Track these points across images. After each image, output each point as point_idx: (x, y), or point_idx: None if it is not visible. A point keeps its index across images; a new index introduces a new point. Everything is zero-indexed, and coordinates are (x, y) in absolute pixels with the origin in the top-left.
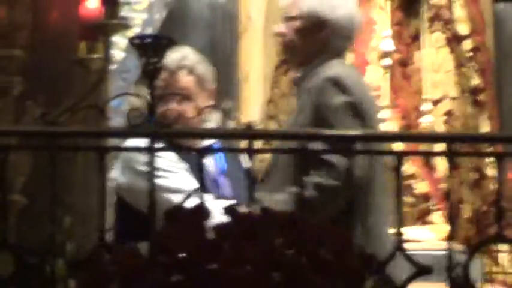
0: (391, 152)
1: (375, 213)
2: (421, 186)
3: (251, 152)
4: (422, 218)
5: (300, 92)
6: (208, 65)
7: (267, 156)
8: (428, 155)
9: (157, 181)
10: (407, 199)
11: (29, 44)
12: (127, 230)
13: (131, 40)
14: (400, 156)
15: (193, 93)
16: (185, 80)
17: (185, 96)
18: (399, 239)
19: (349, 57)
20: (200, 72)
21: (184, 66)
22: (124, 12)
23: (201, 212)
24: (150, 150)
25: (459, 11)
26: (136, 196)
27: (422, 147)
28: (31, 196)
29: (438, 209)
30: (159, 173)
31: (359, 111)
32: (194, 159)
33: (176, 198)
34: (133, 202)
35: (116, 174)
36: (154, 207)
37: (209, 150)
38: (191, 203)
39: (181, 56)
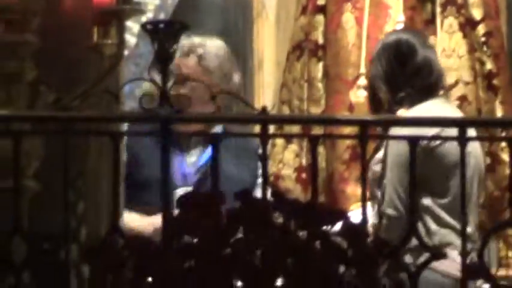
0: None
1: None
2: None
3: (265, 137)
4: None
5: None
6: (229, 67)
7: None
8: (441, 140)
9: None
10: None
11: (41, 29)
12: None
13: (144, 25)
14: (413, 142)
15: (197, 80)
16: (190, 65)
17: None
18: (412, 223)
19: (365, 44)
20: (210, 65)
21: (194, 52)
22: None
23: (214, 197)
24: (164, 136)
25: None
26: None
27: None
28: (44, 182)
29: None
30: None
31: None
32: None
33: None
34: None
35: None
36: (169, 193)
37: (221, 135)
38: None
39: (198, 43)
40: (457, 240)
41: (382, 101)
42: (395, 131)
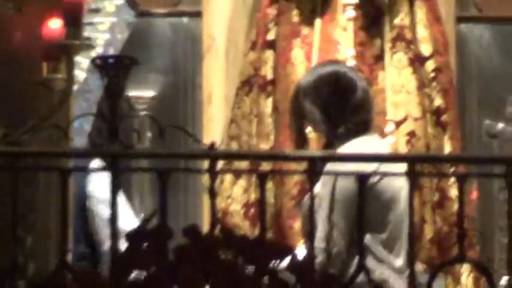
0: (352, 173)
1: None
2: None
3: (213, 173)
4: None
5: None
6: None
7: None
8: (392, 176)
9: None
10: None
11: None
12: None
13: (93, 60)
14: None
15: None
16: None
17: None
18: (361, 260)
19: None
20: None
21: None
22: (86, 32)
23: (162, 233)
24: (112, 171)
25: (422, 32)
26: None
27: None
28: None
29: None
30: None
31: None
32: None
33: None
34: None
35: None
36: (116, 230)
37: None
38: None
39: None
40: (393, 276)
41: (306, 136)
42: (335, 166)
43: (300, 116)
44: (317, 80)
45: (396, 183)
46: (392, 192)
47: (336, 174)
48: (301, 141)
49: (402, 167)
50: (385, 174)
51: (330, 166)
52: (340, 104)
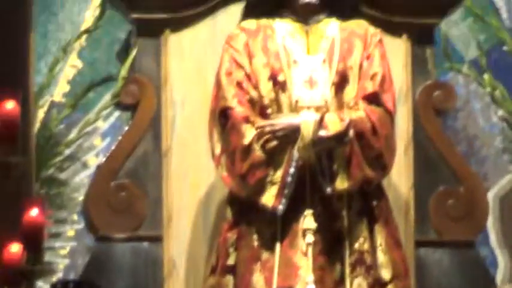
0: None
1: None
2: None
3: None
4: None
5: None
6: None
7: None
8: None
9: None
10: None
11: None
12: None
13: (54, 286)
14: None
15: None
16: None
17: None
18: None
19: None
20: None
21: None
22: (47, 256)
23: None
24: None
25: (382, 257)
26: None
27: None
28: None
29: None
30: None
31: None
32: None
33: None
34: None
35: None
36: None
37: None
38: None
39: None
40: None
41: None
42: None
43: None
44: None
45: None
46: None
47: None
48: None
49: None
50: None
51: None
52: None
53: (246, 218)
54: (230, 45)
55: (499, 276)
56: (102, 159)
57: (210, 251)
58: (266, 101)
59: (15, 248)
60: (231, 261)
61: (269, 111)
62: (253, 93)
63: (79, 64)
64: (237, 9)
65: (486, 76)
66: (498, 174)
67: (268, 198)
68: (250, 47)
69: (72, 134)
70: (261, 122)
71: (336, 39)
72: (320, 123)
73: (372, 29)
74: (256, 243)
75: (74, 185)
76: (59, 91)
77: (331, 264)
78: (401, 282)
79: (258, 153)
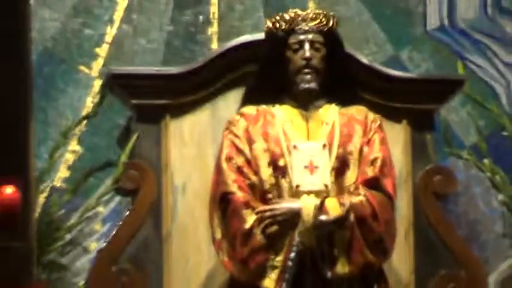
0: None
1: None
2: None
3: None
4: None
5: None
6: None
7: None
8: None
9: None
10: None
11: None
12: None
13: None
14: None
15: None
16: None
17: None
18: None
19: None
20: None
21: None
22: None
23: None
24: None
25: None
26: None
27: None
28: None
29: None
30: None
31: None
32: None
33: None
34: None
35: None
36: None
37: None
38: None
39: None
40: None
41: None
42: None
43: None
44: None
45: None
46: None
47: None
48: None
49: None
50: None
51: None
52: None
53: None
54: (230, 130)
55: None
56: (103, 244)
57: None
58: (267, 186)
59: None
60: None
61: (270, 196)
62: (254, 179)
63: (79, 149)
64: (236, 95)
65: (486, 161)
66: (499, 258)
67: (269, 282)
68: (251, 133)
69: (73, 219)
70: (261, 207)
71: (335, 124)
72: (320, 208)
73: (372, 115)
74: None
75: (75, 270)
76: (60, 176)
77: None
78: None
79: (258, 238)
